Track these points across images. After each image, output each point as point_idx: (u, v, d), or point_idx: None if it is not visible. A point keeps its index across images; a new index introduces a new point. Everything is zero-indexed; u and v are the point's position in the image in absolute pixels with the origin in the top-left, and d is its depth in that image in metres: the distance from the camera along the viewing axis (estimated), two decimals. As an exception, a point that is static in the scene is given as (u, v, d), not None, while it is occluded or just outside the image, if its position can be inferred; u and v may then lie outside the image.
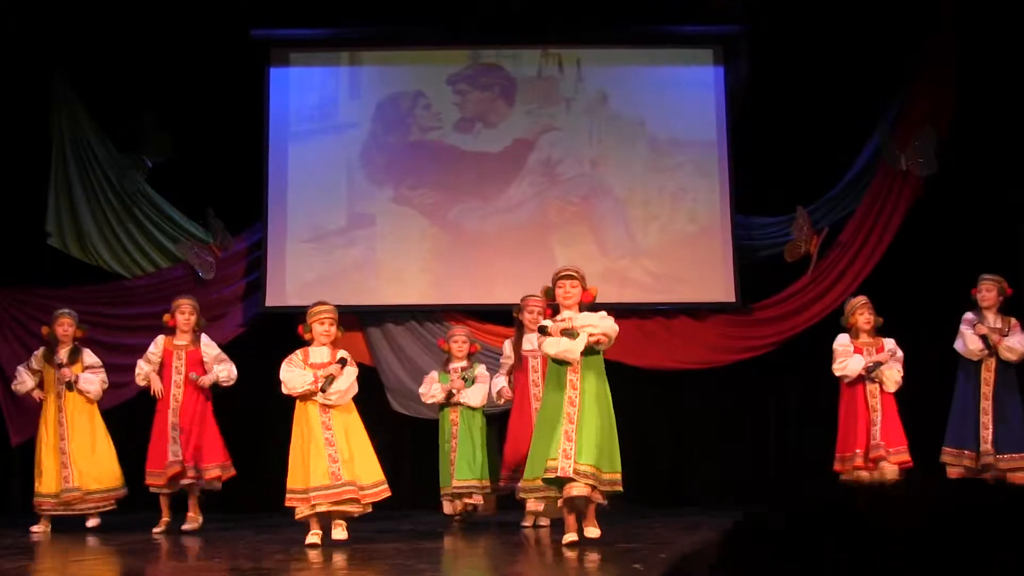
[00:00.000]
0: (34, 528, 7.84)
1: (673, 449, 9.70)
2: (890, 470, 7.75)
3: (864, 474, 7.82)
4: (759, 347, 9.64)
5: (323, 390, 6.76)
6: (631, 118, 9.94)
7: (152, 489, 7.90)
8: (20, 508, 9.19)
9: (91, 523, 7.93)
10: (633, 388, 8.84)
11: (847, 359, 7.92)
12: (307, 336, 6.99)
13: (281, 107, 9.85)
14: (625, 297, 9.46)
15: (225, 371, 8.10)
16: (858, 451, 7.80)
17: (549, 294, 6.70)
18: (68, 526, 7.98)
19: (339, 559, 6.30)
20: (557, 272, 6.74)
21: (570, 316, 6.55)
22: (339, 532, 6.75)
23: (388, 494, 6.93)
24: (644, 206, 9.86)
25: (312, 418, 6.79)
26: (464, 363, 8.23)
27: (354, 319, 9.43)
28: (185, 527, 7.80)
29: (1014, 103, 9.58)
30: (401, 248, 9.74)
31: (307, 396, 6.80)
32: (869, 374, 7.87)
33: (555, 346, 6.43)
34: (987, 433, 7.88)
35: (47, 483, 7.88)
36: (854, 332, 8.02)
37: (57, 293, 9.36)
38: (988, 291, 8.06)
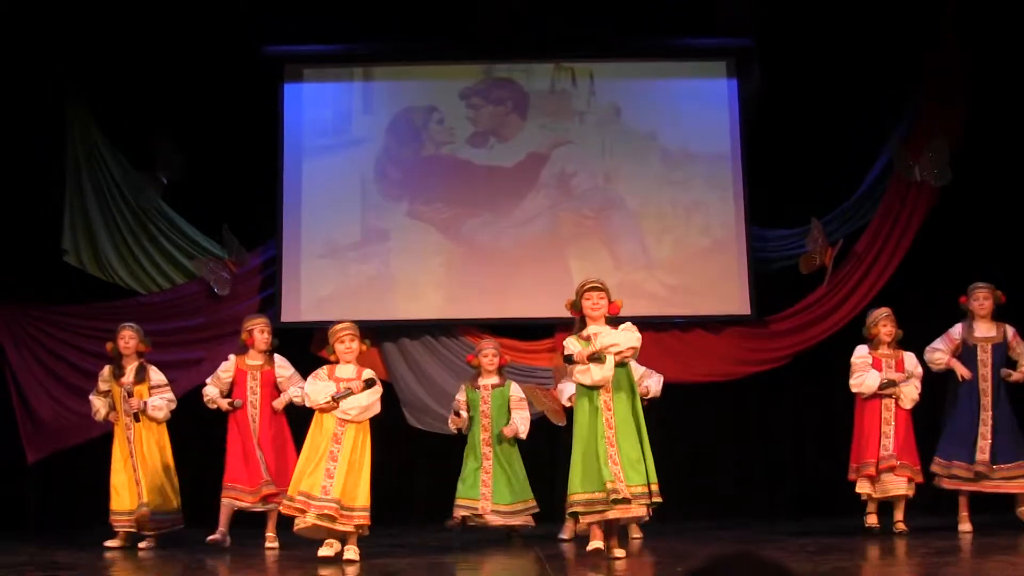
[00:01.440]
0: (108, 543, 7.85)
1: (689, 462, 9.67)
2: (896, 484, 7.78)
3: (870, 489, 7.86)
4: (775, 359, 9.66)
5: (337, 400, 6.79)
6: (644, 131, 10.00)
7: (238, 506, 7.80)
8: (36, 524, 9.25)
9: (144, 544, 7.87)
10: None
11: (864, 375, 7.95)
12: (332, 358, 7.03)
13: (295, 123, 9.94)
14: (640, 310, 9.39)
15: (298, 394, 7.80)
16: (869, 461, 7.83)
17: (576, 306, 6.72)
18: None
19: (352, 572, 6.37)
20: (583, 284, 6.76)
21: (596, 331, 6.58)
22: (351, 552, 6.74)
23: (366, 523, 6.83)
24: (658, 219, 9.91)
25: (326, 429, 6.82)
26: (495, 379, 8.22)
27: (369, 334, 9.41)
28: (268, 546, 7.74)
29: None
30: (415, 263, 9.80)
31: (327, 409, 6.82)
32: (883, 390, 7.87)
33: (589, 377, 6.49)
34: (985, 443, 7.86)
35: (122, 500, 7.84)
36: (875, 343, 8.04)
37: (73, 310, 9.49)
38: (985, 299, 8.07)
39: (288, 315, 9.60)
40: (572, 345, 6.60)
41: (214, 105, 9.76)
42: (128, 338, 8.01)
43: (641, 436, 6.54)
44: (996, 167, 9.69)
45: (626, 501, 6.37)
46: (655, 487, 6.49)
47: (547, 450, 9.07)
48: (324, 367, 7.03)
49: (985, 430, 7.90)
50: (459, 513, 8.05)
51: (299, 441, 7.76)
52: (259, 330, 7.97)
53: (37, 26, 9.46)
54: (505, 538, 8.08)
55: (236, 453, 7.85)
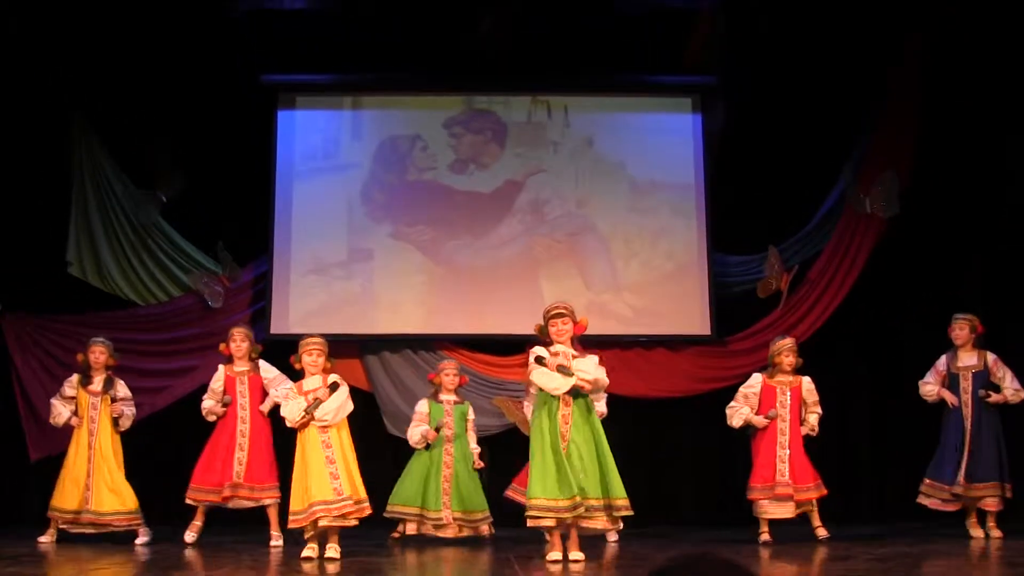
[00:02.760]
0: (42, 538, 8.29)
1: (651, 473, 10.11)
2: (789, 508, 8.23)
3: (766, 511, 8.30)
4: (733, 377, 9.83)
5: (310, 412, 7.18)
6: (614, 161, 10.51)
7: (199, 503, 8.25)
8: (37, 521, 9.63)
9: (141, 540, 8.33)
10: (611, 415, 9.28)
11: (735, 410, 8.48)
12: (297, 366, 7.46)
13: (288, 147, 10.41)
14: (607, 329, 9.95)
15: (284, 393, 8.30)
16: (767, 485, 8.25)
17: (543, 332, 6.98)
18: (86, 540, 8.40)
19: (333, 570, 6.62)
20: (548, 310, 6.98)
21: (563, 351, 6.85)
22: (332, 551, 7.10)
23: (370, 512, 7.30)
24: (626, 244, 10.39)
25: (312, 441, 7.21)
26: (454, 396, 8.63)
27: (353, 347, 9.99)
28: (273, 544, 8.13)
29: (972, 147, 10.20)
30: (398, 281, 10.25)
31: (305, 423, 7.22)
32: (770, 419, 8.36)
33: (546, 380, 6.74)
34: (966, 465, 8.29)
35: (67, 499, 8.29)
36: (775, 371, 8.48)
37: (75, 319, 9.90)
38: (960, 329, 8.51)
39: (277, 327, 10.06)
40: (542, 351, 6.84)
41: (212, 129, 10.21)
42: (99, 352, 8.53)
43: (601, 451, 6.72)
44: (942, 201, 10.19)
45: (585, 509, 6.58)
46: (622, 501, 6.68)
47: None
48: (293, 386, 7.42)
49: (968, 453, 8.30)
50: (409, 524, 8.44)
51: (281, 443, 8.34)
52: (234, 340, 8.47)
53: (47, 52, 9.88)
54: (471, 543, 8.36)
55: (211, 453, 8.29)
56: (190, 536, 8.22)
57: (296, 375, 7.66)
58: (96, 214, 10.17)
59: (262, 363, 8.56)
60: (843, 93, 10.26)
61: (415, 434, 8.49)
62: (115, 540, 8.35)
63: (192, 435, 8.85)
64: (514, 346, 9.99)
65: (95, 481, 8.31)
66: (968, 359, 8.51)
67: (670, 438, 10.35)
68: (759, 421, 8.40)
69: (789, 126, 10.35)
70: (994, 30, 9.74)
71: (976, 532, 8.31)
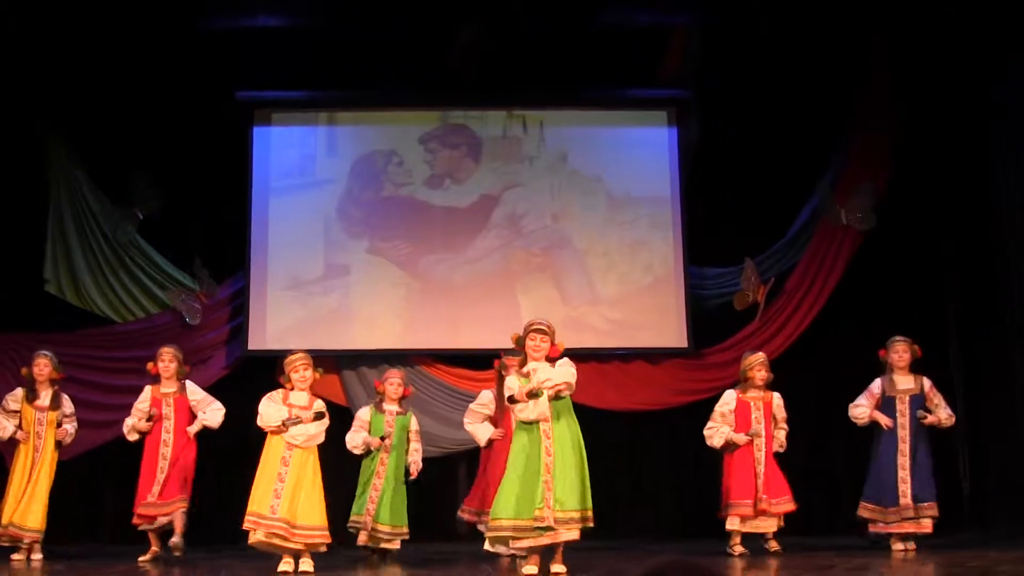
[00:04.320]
0: (15, 556, 8.27)
1: (629, 485, 10.17)
2: (768, 523, 8.35)
3: (740, 526, 8.36)
4: (710, 389, 9.96)
5: (287, 425, 7.24)
6: (590, 175, 10.56)
7: (141, 527, 8.32)
8: None
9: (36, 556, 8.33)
10: (590, 427, 9.29)
11: (715, 430, 8.55)
12: (288, 386, 7.46)
13: (263, 164, 10.43)
14: (584, 342, 9.96)
15: (211, 418, 8.48)
16: (744, 501, 8.33)
17: (520, 343, 6.98)
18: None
19: None
20: (529, 324, 6.97)
21: (535, 368, 6.87)
22: (305, 564, 7.14)
23: (327, 541, 7.28)
24: (603, 257, 10.44)
25: (274, 452, 7.25)
26: (397, 407, 8.48)
27: (330, 362, 9.97)
28: (172, 540, 8.20)
29: (946, 162, 10.28)
30: (374, 296, 10.28)
31: (277, 432, 7.27)
32: (750, 436, 8.44)
33: (530, 412, 6.74)
34: (905, 487, 8.32)
35: (8, 513, 8.29)
36: (747, 385, 8.59)
37: (52, 337, 9.77)
38: (904, 352, 8.53)
39: (254, 343, 10.09)
40: (513, 384, 6.85)
41: (188, 146, 10.25)
42: (43, 365, 8.54)
43: (580, 465, 6.73)
44: (918, 215, 10.29)
45: (551, 529, 6.59)
46: (589, 512, 6.71)
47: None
48: (279, 391, 7.44)
49: (904, 474, 8.33)
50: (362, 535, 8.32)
51: (203, 457, 8.47)
52: (162, 360, 8.47)
53: (23, 68, 9.90)
54: (379, 556, 8.28)
55: (144, 476, 8.33)
56: (143, 558, 8.22)
57: (266, 389, 7.62)
58: (73, 231, 10.18)
59: (189, 384, 8.59)
60: (818, 104, 10.33)
61: (356, 439, 8.36)
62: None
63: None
64: (490, 360, 9.67)
65: (26, 496, 8.31)
66: (905, 383, 8.55)
67: (648, 450, 10.37)
68: (740, 439, 8.47)
69: (764, 138, 10.42)
70: (967, 42, 9.80)
71: (898, 546, 8.33)
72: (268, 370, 9.50)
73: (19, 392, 8.57)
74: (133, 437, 8.44)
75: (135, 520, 8.35)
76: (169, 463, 8.32)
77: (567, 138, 10.63)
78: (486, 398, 8.42)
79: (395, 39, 10.01)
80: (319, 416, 7.39)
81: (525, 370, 6.90)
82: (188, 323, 10.15)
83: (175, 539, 8.18)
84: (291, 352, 7.61)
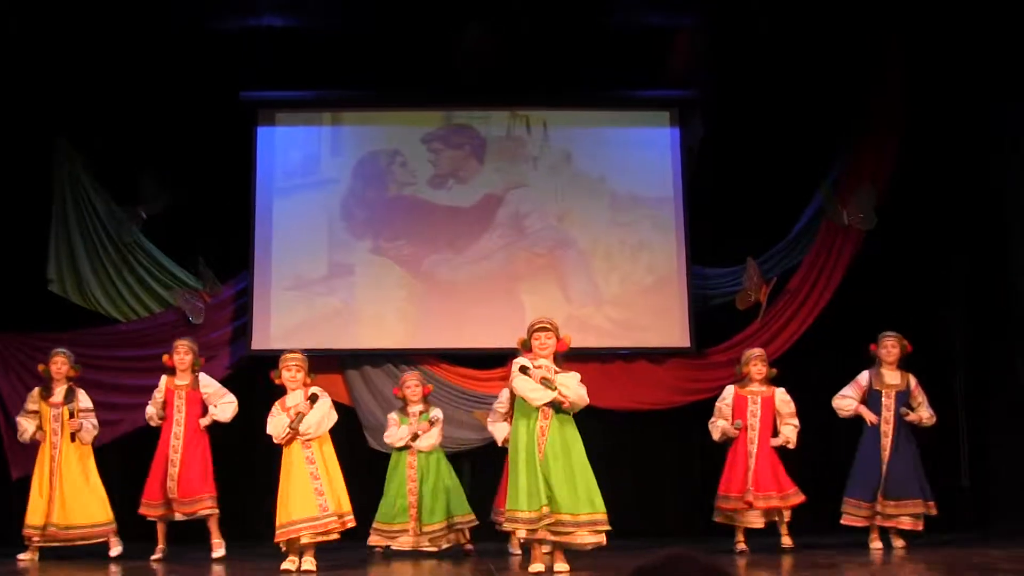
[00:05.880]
0: (21, 556, 8.29)
1: (633, 485, 10.12)
2: (758, 518, 8.42)
3: (733, 520, 8.46)
4: (713, 389, 9.88)
5: (294, 428, 7.26)
6: (593, 176, 10.57)
7: (149, 518, 8.38)
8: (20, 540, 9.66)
9: (113, 552, 8.41)
10: (592, 427, 9.31)
11: (714, 424, 8.66)
12: (278, 381, 7.52)
13: (267, 164, 10.43)
14: (588, 342, 9.97)
15: (222, 412, 8.56)
16: (734, 495, 8.41)
17: (526, 345, 7.05)
18: (68, 554, 8.46)
19: None
20: (532, 324, 7.05)
21: (546, 365, 6.92)
22: (308, 563, 7.15)
23: (354, 524, 7.41)
24: (606, 258, 10.46)
25: (297, 457, 7.28)
26: (420, 406, 8.64)
27: (334, 362, 10.03)
28: (215, 555, 8.26)
29: (949, 162, 10.29)
30: (378, 296, 10.29)
31: (291, 439, 7.30)
32: (738, 428, 8.51)
33: (528, 389, 6.79)
34: (885, 483, 8.36)
35: (35, 515, 8.29)
36: (746, 381, 8.66)
37: (57, 337, 9.76)
38: (893, 347, 8.59)
39: (258, 343, 10.10)
40: (526, 362, 6.89)
41: (192, 146, 10.23)
42: (60, 363, 8.57)
43: (578, 466, 6.74)
44: (921, 214, 10.30)
45: (557, 523, 6.63)
46: (601, 516, 6.72)
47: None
48: (278, 402, 7.47)
49: (885, 469, 8.38)
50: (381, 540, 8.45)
51: (220, 458, 8.53)
52: (177, 352, 8.55)
53: (26, 67, 9.92)
54: (455, 556, 8.38)
55: (155, 468, 8.38)
56: (155, 557, 8.25)
57: (278, 391, 7.66)
58: (77, 231, 10.19)
59: (202, 376, 8.66)
60: (820, 105, 10.33)
61: (398, 434, 8.52)
62: (92, 553, 8.39)
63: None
64: (494, 360, 10.04)
65: (58, 494, 8.30)
66: (892, 378, 8.60)
67: (652, 450, 10.38)
68: (730, 431, 8.56)
69: (768, 138, 10.42)
70: (973, 44, 9.83)
71: (876, 544, 8.36)
72: (271, 370, 9.57)
73: (35, 392, 8.60)
74: (155, 423, 8.53)
75: (141, 510, 8.36)
76: (181, 458, 8.35)
77: (570, 138, 10.65)
78: (504, 396, 8.46)
79: (399, 39, 10.03)
80: (313, 399, 7.39)
81: (537, 364, 6.93)
82: (191, 322, 10.15)
83: (217, 552, 8.26)
84: (291, 351, 7.65)
